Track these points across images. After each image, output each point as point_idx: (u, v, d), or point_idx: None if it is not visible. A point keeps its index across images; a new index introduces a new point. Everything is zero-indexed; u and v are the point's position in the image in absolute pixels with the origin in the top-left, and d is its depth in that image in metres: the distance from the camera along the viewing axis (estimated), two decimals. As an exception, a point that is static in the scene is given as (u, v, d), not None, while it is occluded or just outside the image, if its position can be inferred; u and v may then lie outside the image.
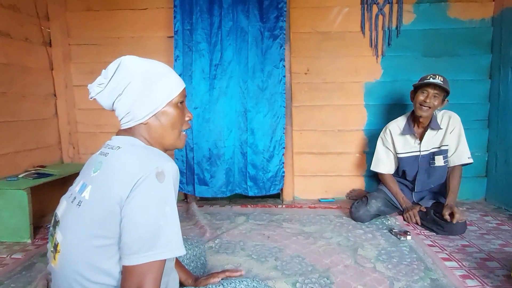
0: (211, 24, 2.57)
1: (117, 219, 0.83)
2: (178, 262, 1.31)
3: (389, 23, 2.69)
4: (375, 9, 2.69)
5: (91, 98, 0.96)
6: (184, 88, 1.03)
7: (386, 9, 2.68)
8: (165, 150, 1.02)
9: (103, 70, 0.95)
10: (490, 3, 2.63)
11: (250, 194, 2.64)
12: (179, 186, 2.66)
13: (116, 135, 0.99)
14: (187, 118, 1.04)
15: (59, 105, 2.85)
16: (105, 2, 2.84)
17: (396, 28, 2.69)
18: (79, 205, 0.88)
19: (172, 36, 2.68)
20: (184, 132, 1.05)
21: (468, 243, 1.98)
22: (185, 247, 1.53)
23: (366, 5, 2.69)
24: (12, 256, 1.88)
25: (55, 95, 2.84)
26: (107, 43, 2.86)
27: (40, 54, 2.71)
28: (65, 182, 2.69)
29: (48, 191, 2.39)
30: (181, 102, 1.01)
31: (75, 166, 2.74)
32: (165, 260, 0.84)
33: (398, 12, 2.67)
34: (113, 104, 0.96)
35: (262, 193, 2.65)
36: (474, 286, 1.53)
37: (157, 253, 0.81)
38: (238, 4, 2.54)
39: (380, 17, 2.69)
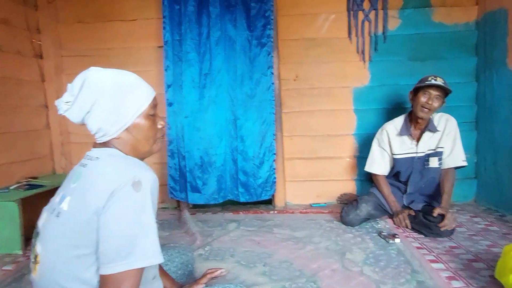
0: (199, 34, 2.61)
1: (95, 228, 0.85)
2: (163, 270, 1.32)
3: (375, 29, 2.73)
4: (361, 15, 2.73)
5: (60, 114, 0.96)
6: (154, 97, 1.02)
7: (372, 15, 2.73)
8: (143, 158, 1.04)
9: (69, 85, 0.95)
10: (473, 7, 2.68)
11: (242, 200, 2.66)
12: (173, 194, 2.72)
13: (93, 147, 1.01)
14: (159, 126, 1.04)
15: (51, 116, 2.88)
16: (96, 14, 2.88)
17: (382, 33, 2.73)
18: (58, 216, 0.90)
19: (162, 46, 2.72)
20: (160, 137, 1.06)
21: (456, 245, 1.99)
22: (173, 254, 1.56)
23: (352, 12, 2.73)
24: (2, 268, 1.90)
25: (46, 106, 2.87)
26: (99, 54, 2.90)
27: (31, 67, 2.75)
28: (57, 193, 2.72)
29: (39, 202, 2.37)
30: (152, 114, 1.01)
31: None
32: (142, 268, 0.85)
33: (383, 18, 2.71)
34: (82, 120, 0.96)
35: (253, 199, 2.67)
36: (460, 287, 1.54)
37: (133, 262, 0.83)
38: (226, 14, 2.59)
39: (366, 23, 2.73)
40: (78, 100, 0.92)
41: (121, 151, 0.98)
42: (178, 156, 2.65)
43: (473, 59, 2.72)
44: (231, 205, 2.92)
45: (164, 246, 2.01)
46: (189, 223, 2.44)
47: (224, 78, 2.61)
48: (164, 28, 2.66)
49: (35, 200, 2.27)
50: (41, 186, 2.37)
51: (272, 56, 2.63)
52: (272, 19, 2.61)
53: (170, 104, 2.66)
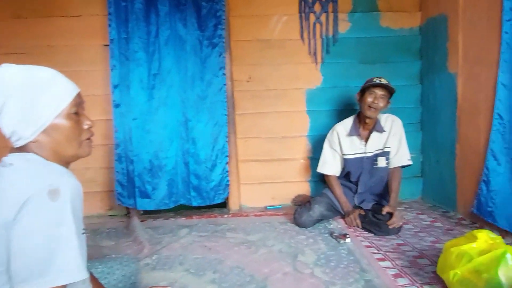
0: (148, 33, 2.50)
1: (3, 244, 0.75)
2: (99, 284, 1.22)
3: (326, 31, 2.77)
4: (312, 17, 2.76)
5: None
6: (79, 94, 0.93)
7: (323, 17, 2.76)
8: (68, 163, 0.94)
9: None
10: (417, 13, 2.80)
11: (194, 204, 2.59)
12: (120, 200, 2.58)
13: (9, 152, 0.90)
14: (86, 126, 0.94)
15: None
16: (35, 9, 2.67)
17: (333, 36, 2.77)
18: None
19: (108, 45, 2.57)
20: (87, 138, 0.96)
21: (403, 242, 2.05)
22: (113, 267, 1.45)
23: (303, 14, 2.75)
24: None
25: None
26: (39, 52, 2.69)
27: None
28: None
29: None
30: (75, 113, 0.91)
31: None
32: (62, 287, 0.77)
33: (334, 21, 2.76)
34: None
35: (206, 203, 2.60)
36: (405, 284, 1.57)
37: (49, 280, 0.74)
38: (176, 13, 2.50)
39: (318, 25, 2.77)
40: None
41: (41, 156, 0.88)
42: (126, 160, 2.52)
43: (418, 63, 2.84)
44: (184, 210, 2.83)
45: (105, 257, 1.90)
46: (137, 231, 2.32)
47: (174, 79, 2.52)
48: (109, 25, 2.53)
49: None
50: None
51: (224, 57, 2.58)
52: (223, 19, 2.56)
53: (117, 106, 2.52)
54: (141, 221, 2.57)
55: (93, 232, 2.42)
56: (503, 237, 1.76)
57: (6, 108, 0.83)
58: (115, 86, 2.51)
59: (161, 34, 2.48)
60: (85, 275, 0.80)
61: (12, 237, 0.74)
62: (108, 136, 2.66)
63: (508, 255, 1.29)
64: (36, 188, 0.76)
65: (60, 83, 0.90)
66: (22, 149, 0.88)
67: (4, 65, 0.86)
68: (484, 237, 1.44)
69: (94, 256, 2.05)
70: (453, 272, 1.39)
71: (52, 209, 0.76)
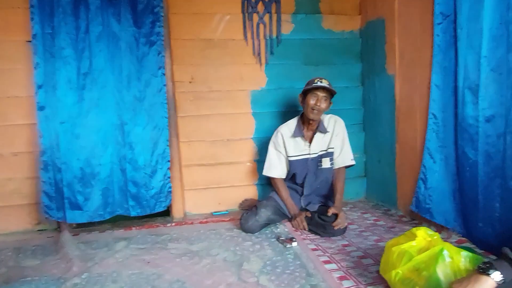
0: (77, 28, 2.28)
1: None
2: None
3: (270, 32, 2.73)
4: (255, 18, 2.71)
5: None
6: None
7: (266, 18, 2.72)
8: None
9: None
10: (357, 17, 2.87)
11: (133, 214, 2.39)
12: (48, 213, 2.32)
13: None
14: None
15: None
16: None
17: (277, 37, 2.74)
18: None
19: (31, 41, 2.31)
20: None
21: (348, 243, 2.05)
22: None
23: (246, 14, 2.69)
24: None
25: None
26: None
27: None
28: None
29: None
30: None
31: None
32: None
33: (277, 22, 2.73)
34: None
35: (146, 212, 2.42)
36: (350, 286, 1.55)
37: None
38: (108, 7, 2.31)
39: (261, 26, 2.72)
40: None
41: None
42: (53, 168, 2.27)
43: (359, 65, 2.91)
44: (123, 220, 2.61)
45: (24, 279, 1.68)
46: (67, 247, 2.08)
47: (108, 79, 2.31)
48: (32, 19, 2.27)
49: None
50: None
51: (163, 56, 2.43)
52: (162, 16, 2.41)
53: (41, 108, 2.26)
54: (73, 235, 2.33)
55: (15, 250, 2.14)
56: (439, 232, 1.83)
57: None
58: (40, 87, 2.25)
59: (92, 30, 2.27)
60: None
61: None
62: (32, 143, 2.38)
63: (445, 252, 1.30)
64: None
65: None
66: None
67: None
68: (423, 235, 1.46)
69: (12, 278, 1.80)
70: (394, 271, 1.38)
71: None
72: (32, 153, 2.43)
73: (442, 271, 1.29)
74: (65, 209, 2.26)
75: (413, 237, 1.47)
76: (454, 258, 1.30)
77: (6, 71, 2.41)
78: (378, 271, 1.65)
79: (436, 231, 1.50)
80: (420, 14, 2.18)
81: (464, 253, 1.31)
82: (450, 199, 2.00)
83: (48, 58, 2.26)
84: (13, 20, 2.40)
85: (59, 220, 2.35)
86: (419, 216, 2.21)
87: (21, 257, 2.06)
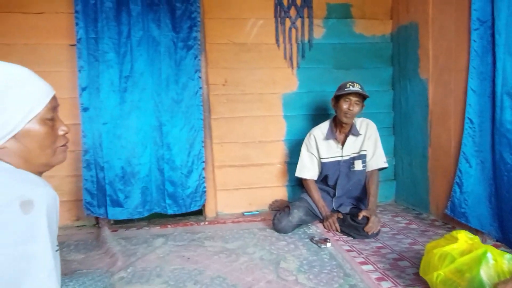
0: (119, 33, 2.38)
1: None
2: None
3: (301, 36, 2.78)
4: (288, 22, 2.76)
5: None
6: (54, 97, 0.85)
7: (298, 23, 2.77)
8: (40, 172, 0.84)
9: None
10: (388, 21, 2.89)
11: (170, 212, 2.48)
12: (89, 210, 2.42)
13: None
14: (61, 132, 0.87)
15: None
16: (-12, 3, 2.47)
17: (308, 41, 2.79)
18: None
19: (74, 44, 2.43)
20: (62, 146, 0.88)
21: (382, 245, 2.07)
22: (85, 283, 1.34)
23: (279, 19, 2.75)
24: None
25: None
26: (-6, 50, 2.48)
27: None
28: None
29: None
30: (50, 118, 0.84)
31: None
32: None
33: (309, 26, 2.78)
34: None
35: (182, 211, 2.50)
36: (389, 287, 1.58)
37: None
38: (149, 13, 2.41)
39: (293, 30, 2.77)
40: None
41: (9, 163, 0.78)
42: (96, 167, 2.37)
43: (389, 69, 2.92)
44: (158, 218, 2.71)
45: (75, 272, 1.76)
46: (109, 242, 2.18)
47: (147, 82, 2.41)
48: (77, 24, 2.38)
49: None
50: None
51: (199, 60, 2.51)
52: (198, 21, 2.50)
53: (85, 109, 2.37)
54: (112, 231, 2.43)
55: (59, 245, 2.25)
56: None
57: None
58: (83, 89, 2.36)
59: (133, 35, 2.37)
60: None
61: None
62: (75, 142, 2.49)
63: (489, 254, 1.32)
64: (5, 200, 0.67)
65: (35, 84, 0.81)
66: None
67: None
68: (464, 238, 1.48)
69: (62, 271, 1.90)
70: (436, 273, 1.41)
71: (24, 222, 0.68)
72: (73, 152, 2.53)
73: (485, 273, 1.31)
74: (107, 206, 2.36)
75: (454, 240, 1.49)
76: (498, 260, 1.32)
77: (51, 73, 2.52)
78: (415, 273, 1.68)
79: (476, 236, 1.52)
80: (455, 20, 2.19)
81: (508, 255, 1.33)
82: (486, 204, 2.01)
83: (92, 61, 2.37)
84: (58, 24, 2.52)
85: (100, 216, 2.46)
86: (452, 220, 2.21)
87: (65, 251, 2.16)
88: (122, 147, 2.37)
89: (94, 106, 2.36)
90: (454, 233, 1.52)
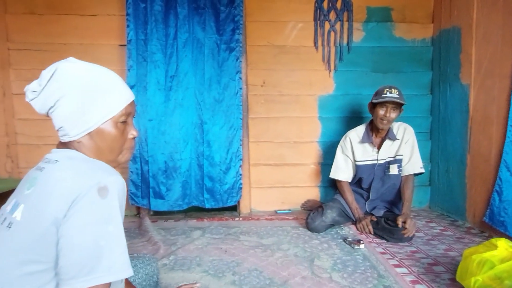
0: (166, 35, 2.52)
1: (53, 241, 0.75)
2: (128, 283, 1.23)
3: (340, 39, 2.81)
4: (327, 25, 2.80)
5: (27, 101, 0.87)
6: (132, 102, 0.93)
7: (338, 26, 2.81)
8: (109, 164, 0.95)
9: (42, 72, 0.85)
10: (429, 25, 2.86)
11: (207, 206, 2.60)
12: (134, 200, 2.58)
13: (56, 147, 0.91)
14: (130, 136, 0.95)
15: (-5, 114, 2.62)
16: (49, 6, 2.67)
17: (347, 44, 2.82)
18: (9, 227, 0.78)
19: (124, 45, 2.59)
20: (128, 148, 0.96)
21: (416, 249, 2.08)
22: (137, 265, 1.46)
23: (318, 22, 2.79)
24: None
25: (-10, 104, 2.60)
26: (52, 49, 2.69)
27: (-26, 59, 2.49)
28: (1, 199, 2.46)
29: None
30: (123, 122, 0.92)
31: (13, 181, 2.51)
32: (109, 283, 0.77)
33: (348, 30, 2.80)
34: (47, 113, 0.87)
35: (219, 205, 2.62)
36: (423, 290, 1.60)
37: (98, 277, 0.74)
38: (194, 16, 2.53)
39: (332, 33, 2.81)
40: (43, 92, 0.84)
41: (84, 153, 0.89)
42: (141, 160, 2.53)
43: (429, 73, 2.89)
44: (194, 212, 2.83)
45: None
46: (150, 231, 2.32)
47: (191, 81, 2.54)
48: (128, 26, 2.54)
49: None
50: (-17, 191, 2.12)
51: (240, 61, 2.61)
52: (241, 24, 2.59)
53: (132, 106, 2.53)
54: (152, 221, 2.57)
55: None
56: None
57: (62, 102, 0.84)
58: (132, 87, 2.52)
59: (180, 37, 2.50)
60: (131, 272, 0.79)
61: (62, 234, 0.74)
62: (121, 136, 2.65)
63: (530, 263, 1.32)
64: (86, 185, 0.76)
65: (117, 90, 0.90)
66: (66, 145, 0.89)
67: (71, 59, 0.87)
68: (504, 245, 1.48)
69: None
70: (474, 278, 1.42)
71: (102, 206, 0.77)
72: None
73: (526, 282, 1.31)
74: (150, 197, 2.51)
75: (493, 247, 1.49)
76: (539, 269, 1.32)
77: (102, 72, 2.70)
78: (451, 279, 1.68)
79: None
80: (502, 26, 2.15)
81: (550, 266, 1.32)
82: (527, 214, 1.97)
83: (141, 61, 2.52)
84: (109, 26, 2.70)
85: (143, 207, 2.61)
86: (490, 228, 2.18)
87: (111, 237, 2.32)
88: (165, 143, 2.51)
89: (141, 103, 2.51)
90: (493, 240, 1.52)
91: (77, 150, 0.88)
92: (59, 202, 0.75)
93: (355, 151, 2.44)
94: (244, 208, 2.80)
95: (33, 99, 0.85)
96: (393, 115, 2.24)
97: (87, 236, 0.75)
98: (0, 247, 0.78)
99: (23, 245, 0.76)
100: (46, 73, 0.84)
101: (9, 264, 0.76)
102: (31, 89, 0.85)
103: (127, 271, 0.79)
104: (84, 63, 0.88)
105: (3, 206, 0.87)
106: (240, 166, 2.65)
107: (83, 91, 0.85)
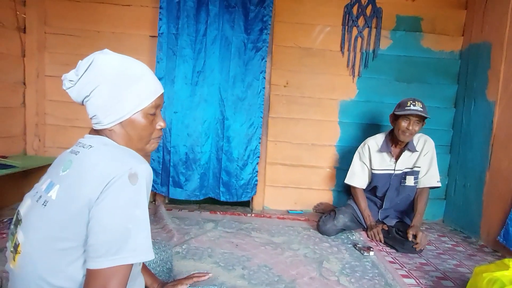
0: (196, 31, 2.58)
1: (84, 221, 0.81)
2: (144, 267, 1.29)
3: (367, 46, 2.81)
4: (355, 31, 2.81)
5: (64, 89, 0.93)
6: (161, 95, 0.98)
7: (365, 32, 2.81)
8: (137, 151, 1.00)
9: (79, 62, 0.91)
10: (459, 38, 2.83)
11: (222, 199, 2.67)
12: (154, 187, 2.67)
13: (89, 133, 0.97)
14: (158, 127, 1.00)
15: (28, 94, 2.74)
16: (87, -6, 2.78)
17: (373, 51, 2.82)
18: (45, 205, 0.84)
19: (154, 36, 2.67)
20: (156, 138, 1.01)
21: (426, 262, 2.09)
22: (153, 251, 1.52)
23: (346, 27, 2.80)
24: (-35, 251, 1.78)
25: (24, 84, 2.72)
26: (85, 35, 2.79)
27: (13, 40, 2.60)
28: (27, 175, 2.58)
29: (7, 183, 2.29)
30: (153, 113, 0.96)
31: (39, 159, 2.63)
32: (131, 264, 0.82)
33: (376, 37, 2.80)
34: (82, 102, 0.93)
35: (233, 199, 2.68)
36: (429, 303, 1.62)
37: (124, 257, 0.79)
38: (225, 14, 2.58)
39: (359, 39, 2.81)
40: (80, 81, 0.89)
41: (115, 140, 0.95)
42: (163, 150, 2.61)
43: (454, 87, 2.86)
44: (208, 204, 2.90)
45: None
46: (165, 219, 2.40)
47: (216, 78, 2.60)
48: (160, 19, 2.60)
49: (2, 180, 2.15)
50: (12, 166, 2.24)
51: (265, 61, 2.65)
52: (269, 24, 2.63)
53: (158, 97, 2.61)
54: (167, 210, 2.65)
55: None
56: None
57: (97, 92, 0.89)
58: (160, 79, 2.59)
59: (209, 34, 2.56)
60: (152, 255, 0.85)
61: (94, 215, 0.80)
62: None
63: (541, 287, 1.32)
64: (118, 171, 0.82)
65: (149, 82, 0.95)
66: (99, 132, 0.95)
67: (106, 51, 0.93)
68: (516, 267, 1.48)
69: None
70: (482, 296, 1.42)
71: (132, 191, 0.82)
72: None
73: (534, 305, 1.31)
74: (169, 185, 2.60)
75: (505, 267, 1.48)
76: (550, 294, 1.31)
77: (131, 61, 2.78)
78: (459, 294, 1.69)
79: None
80: (535, 44, 2.12)
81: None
82: (543, 237, 1.95)
83: (170, 55, 2.59)
84: (142, 16, 2.78)
85: (162, 194, 2.70)
86: (504, 248, 2.16)
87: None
88: (188, 135, 2.59)
89: (168, 96, 2.58)
90: (506, 260, 1.52)
91: (109, 138, 0.94)
92: (93, 185, 0.81)
93: (372, 159, 2.44)
94: (257, 205, 2.85)
95: (69, 87, 0.91)
96: (416, 128, 2.22)
97: (117, 218, 0.80)
98: (36, 223, 0.84)
99: (56, 223, 0.82)
100: (83, 64, 0.90)
101: (44, 239, 0.82)
102: (69, 78, 0.90)
103: (150, 255, 0.84)
104: (119, 55, 0.93)
105: (37, 185, 0.94)
106: (257, 163, 2.70)
107: (117, 82, 0.90)
